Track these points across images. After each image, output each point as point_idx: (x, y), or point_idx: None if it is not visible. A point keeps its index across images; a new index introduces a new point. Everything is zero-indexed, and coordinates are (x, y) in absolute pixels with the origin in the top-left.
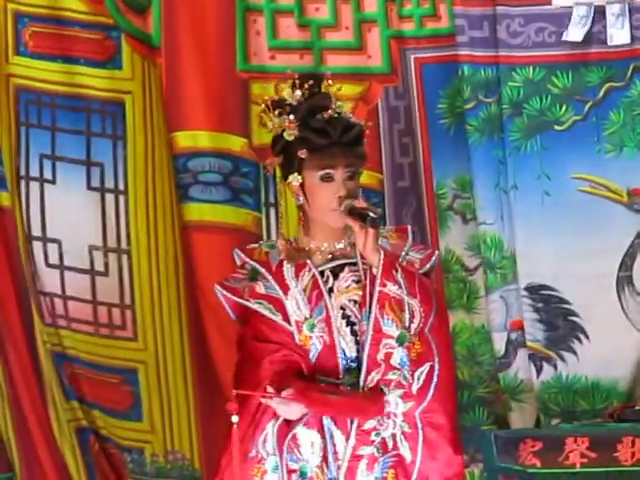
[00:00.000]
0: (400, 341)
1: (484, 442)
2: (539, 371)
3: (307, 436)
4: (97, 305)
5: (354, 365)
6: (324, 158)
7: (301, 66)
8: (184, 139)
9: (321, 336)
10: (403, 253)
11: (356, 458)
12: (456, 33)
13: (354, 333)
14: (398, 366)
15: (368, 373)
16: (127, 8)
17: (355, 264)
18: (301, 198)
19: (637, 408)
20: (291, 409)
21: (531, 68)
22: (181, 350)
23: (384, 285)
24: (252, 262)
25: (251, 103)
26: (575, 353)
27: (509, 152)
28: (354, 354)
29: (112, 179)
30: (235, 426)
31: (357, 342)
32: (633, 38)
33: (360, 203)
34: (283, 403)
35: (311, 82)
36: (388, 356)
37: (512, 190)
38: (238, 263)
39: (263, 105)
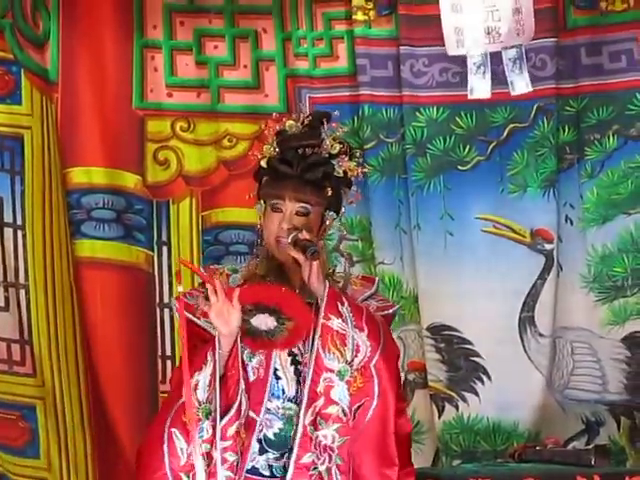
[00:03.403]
0: (341, 375)
1: None
2: (441, 411)
3: None
4: None
5: (291, 405)
6: (274, 188)
7: (198, 104)
8: (78, 175)
9: (257, 368)
10: (361, 298)
11: None
12: (357, 73)
13: (297, 372)
14: (337, 400)
15: (309, 406)
16: (27, 42)
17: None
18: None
19: (538, 448)
20: (229, 313)
21: (435, 108)
22: (77, 387)
23: (328, 318)
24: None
25: (146, 140)
26: (477, 394)
27: (412, 192)
28: (293, 393)
29: (11, 214)
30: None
31: (298, 382)
32: (535, 80)
33: (304, 235)
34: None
35: (310, 119)
36: (328, 389)
37: (415, 230)
38: (200, 281)
39: (268, 132)
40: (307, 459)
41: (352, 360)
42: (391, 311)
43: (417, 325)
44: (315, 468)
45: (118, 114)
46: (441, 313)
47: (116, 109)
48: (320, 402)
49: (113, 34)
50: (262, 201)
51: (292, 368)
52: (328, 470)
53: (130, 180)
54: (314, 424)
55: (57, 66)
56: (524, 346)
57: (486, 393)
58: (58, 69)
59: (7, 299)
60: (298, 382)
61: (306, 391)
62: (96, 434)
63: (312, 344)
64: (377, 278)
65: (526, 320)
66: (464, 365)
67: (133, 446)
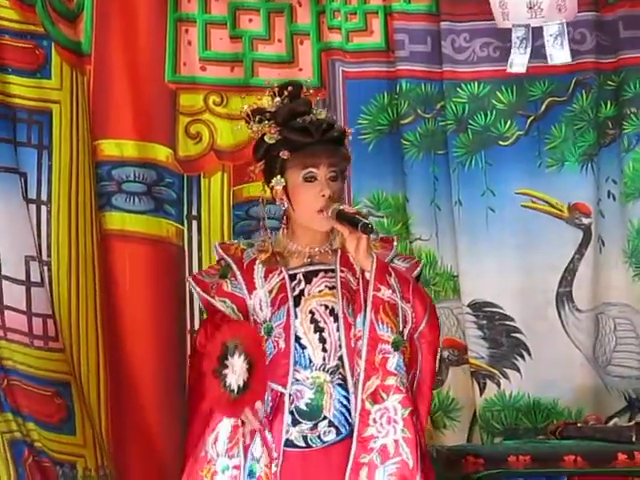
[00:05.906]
0: (395, 346)
1: None
2: (482, 389)
3: (259, 436)
4: (32, 316)
5: (320, 374)
6: (306, 157)
7: (231, 78)
8: (109, 147)
9: (277, 341)
10: (387, 260)
11: (357, 466)
12: (395, 47)
13: (322, 340)
14: (394, 371)
15: (367, 378)
16: (58, 17)
17: (332, 270)
18: (285, 202)
19: (579, 425)
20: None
21: (476, 83)
22: (96, 363)
23: (378, 289)
24: (227, 257)
25: (178, 114)
26: (518, 370)
27: (453, 168)
28: (320, 361)
29: (35, 189)
30: None
31: (324, 349)
32: (574, 54)
33: (349, 208)
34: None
35: (290, 89)
36: (384, 361)
37: (456, 206)
38: (217, 258)
39: (243, 115)
40: (367, 432)
41: (403, 330)
42: (419, 269)
43: (452, 302)
44: (375, 441)
45: (151, 87)
46: (482, 290)
47: (149, 82)
48: (379, 375)
49: (147, 7)
50: (279, 176)
51: (316, 336)
52: (395, 442)
53: (161, 153)
54: (374, 397)
55: (90, 39)
56: (562, 322)
57: (527, 370)
58: (91, 42)
59: (42, 274)
60: (324, 349)
61: (362, 364)
62: (113, 412)
63: (364, 316)
64: (395, 236)
65: (564, 295)
66: (505, 342)
67: (159, 427)
